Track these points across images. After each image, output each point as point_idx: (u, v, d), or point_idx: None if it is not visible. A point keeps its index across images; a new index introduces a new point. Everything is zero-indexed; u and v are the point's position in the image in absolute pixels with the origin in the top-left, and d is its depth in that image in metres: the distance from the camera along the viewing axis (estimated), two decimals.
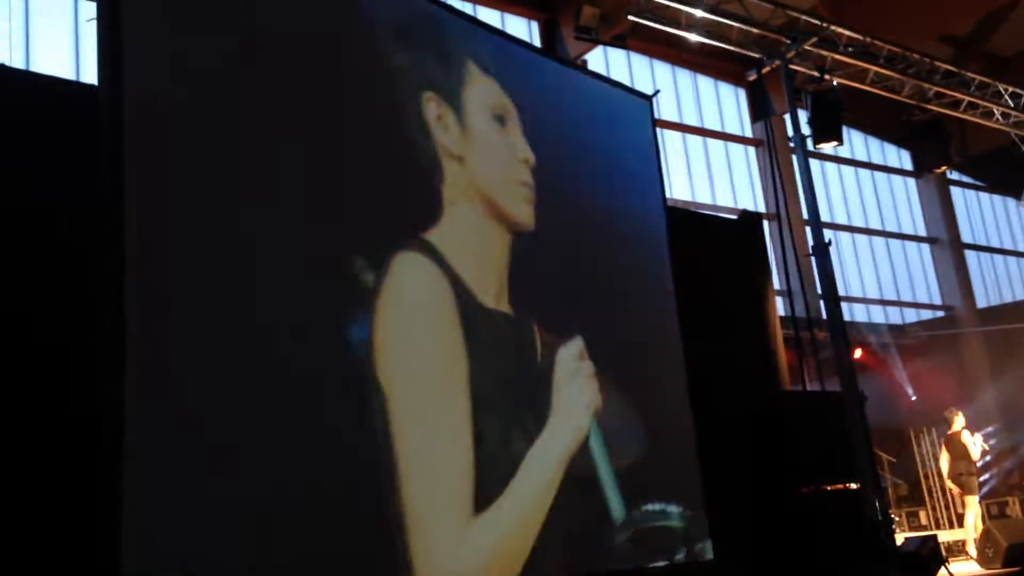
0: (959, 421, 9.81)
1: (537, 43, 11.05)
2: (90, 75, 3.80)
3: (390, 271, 4.19)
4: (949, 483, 9.92)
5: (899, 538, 7.41)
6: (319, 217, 4.05)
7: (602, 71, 11.26)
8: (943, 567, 7.04)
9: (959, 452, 9.64)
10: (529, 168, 5.15)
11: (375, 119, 4.45)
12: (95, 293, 3.37)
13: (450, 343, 4.37)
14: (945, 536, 10.46)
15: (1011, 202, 16.34)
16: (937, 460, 12.22)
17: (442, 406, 4.27)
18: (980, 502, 10.28)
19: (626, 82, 10.01)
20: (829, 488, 6.89)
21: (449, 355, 4.36)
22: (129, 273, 3.34)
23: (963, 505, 9.98)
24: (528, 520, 4.55)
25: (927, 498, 12.10)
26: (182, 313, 3.49)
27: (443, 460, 4.18)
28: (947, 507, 12.07)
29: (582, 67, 9.00)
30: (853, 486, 6.88)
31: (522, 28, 11.23)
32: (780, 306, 8.80)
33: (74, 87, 4.25)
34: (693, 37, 8.38)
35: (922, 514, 11.58)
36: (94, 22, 3.58)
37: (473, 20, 5.64)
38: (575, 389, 5.05)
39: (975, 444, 9.66)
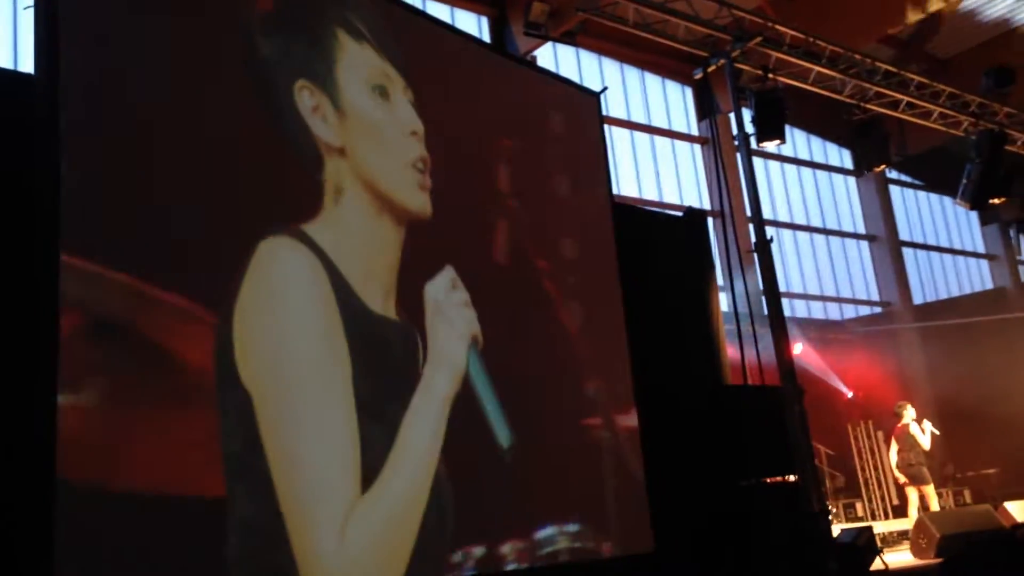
0: (908, 414, 10.22)
1: (487, 39, 11.07)
2: (28, 64, 3.72)
3: (255, 255, 3.89)
4: (898, 474, 10.30)
5: (836, 529, 7.58)
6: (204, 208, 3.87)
7: (551, 68, 11.31)
8: (878, 557, 7.22)
9: (907, 444, 10.08)
10: (419, 140, 4.72)
11: (248, 116, 4.14)
12: (29, 291, 3.32)
13: (324, 332, 4.08)
14: (881, 527, 10.75)
15: (947, 201, 16.77)
16: (874, 453, 12.56)
17: (316, 402, 3.99)
18: (938, 490, 10.69)
19: (575, 79, 10.07)
20: (769, 481, 7.02)
21: (323, 345, 4.07)
22: (64, 272, 3.31)
23: (905, 497, 10.36)
24: (417, 482, 4.33)
25: (863, 490, 12.39)
26: None
27: (321, 454, 3.94)
28: (883, 499, 12.37)
29: (531, 63, 9.03)
30: (792, 479, 7.03)
31: (472, 23, 11.23)
32: (723, 302, 8.94)
33: (10, 75, 4.15)
34: (641, 34, 8.45)
35: (859, 506, 11.86)
36: (31, 10, 3.52)
37: None
38: (446, 324, 4.67)
39: (925, 435, 10.04)
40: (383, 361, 4.38)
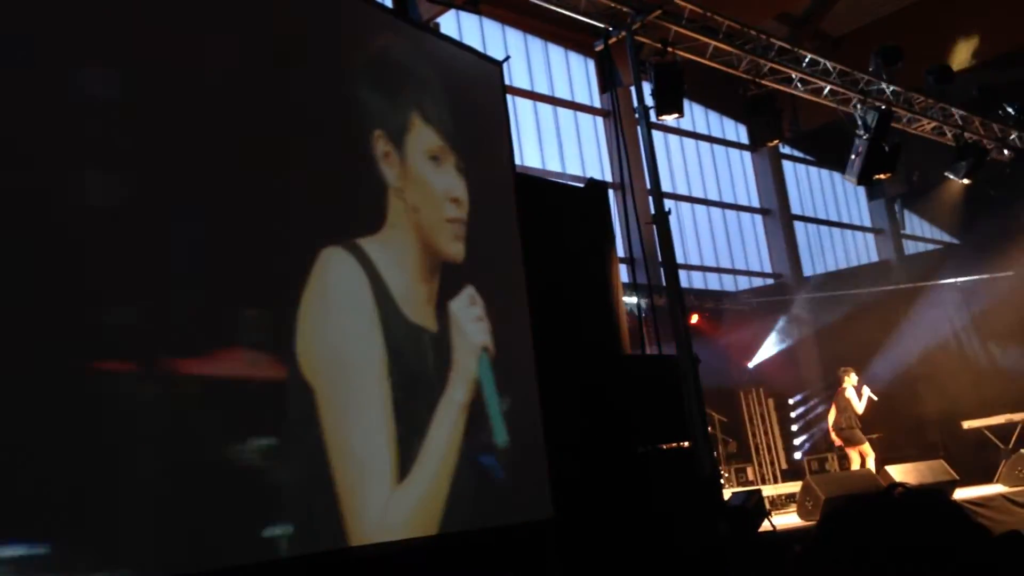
0: (850, 379, 10.79)
1: (389, 4, 10.87)
2: None
3: (316, 262, 4.47)
4: (833, 435, 10.88)
5: (727, 493, 7.83)
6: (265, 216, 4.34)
7: (454, 35, 11.21)
8: (766, 519, 7.50)
9: (842, 407, 10.73)
10: (458, 206, 5.59)
11: (337, 139, 4.88)
12: None
13: (368, 335, 4.69)
14: (769, 491, 11.16)
15: (837, 176, 17.34)
16: (764, 419, 13.02)
17: (364, 399, 4.60)
18: (822, 455, 11.32)
19: (478, 47, 10.00)
20: (664, 447, 7.19)
21: (368, 348, 4.68)
22: None
23: (848, 459, 11.06)
24: (440, 478, 4.99)
25: (754, 455, 12.83)
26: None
27: (367, 444, 4.55)
28: (772, 463, 12.83)
29: (434, 30, 8.92)
30: (686, 445, 7.22)
31: None
32: (623, 273, 9.08)
33: None
34: (543, 4, 8.44)
35: (749, 470, 12.28)
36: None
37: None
38: (461, 337, 5.36)
39: (860, 400, 10.64)
40: (415, 366, 5.01)
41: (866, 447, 10.79)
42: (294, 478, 4.12)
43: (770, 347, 14.72)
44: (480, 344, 5.51)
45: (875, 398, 10.92)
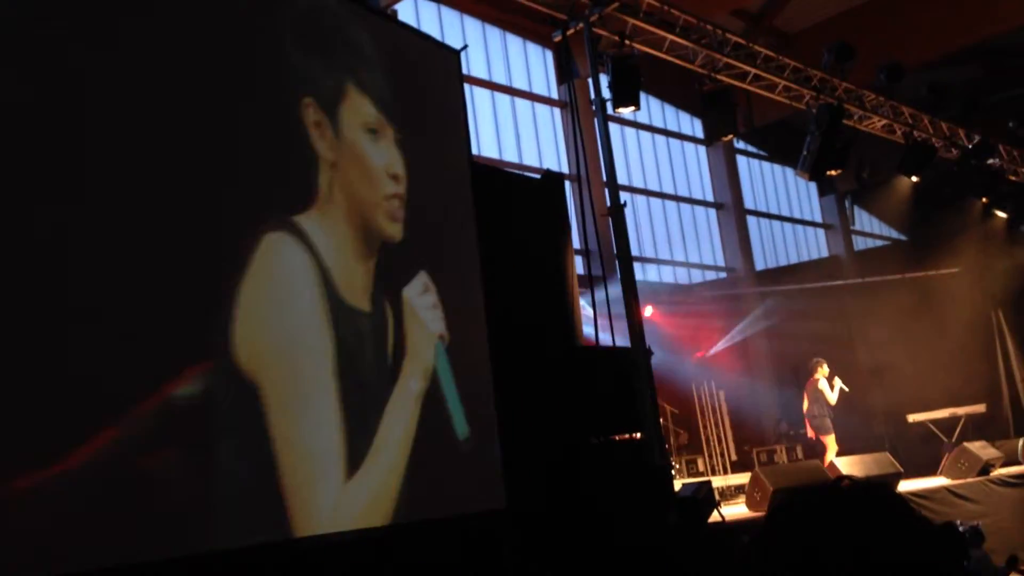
0: (822, 371, 11.10)
1: None
2: None
3: (259, 248, 4.23)
4: (808, 427, 11.34)
5: (678, 484, 7.91)
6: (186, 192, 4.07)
7: (412, 22, 11.13)
8: (716, 510, 7.58)
9: (814, 397, 11.16)
10: (397, 182, 5.33)
11: (267, 107, 4.59)
12: None
13: (317, 325, 4.51)
14: (719, 482, 11.29)
15: (789, 171, 17.55)
16: (715, 411, 13.17)
17: (312, 392, 4.43)
18: (771, 447, 11.64)
19: (436, 35, 9.95)
20: (617, 438, 7.23)
21: (314, 336, 4.48)
22: None
23: (824, 447, 11.34)
24: (394, 470, 4.85)
25: (705, 446, 12.96)
26: None
27: (315, 437, 4.39)
28: (723, 455, 12.98)
29: (391, 16, 8.85)
30: (638, 436, 7.27)
31: None
32: (579, 264, 9.10)
33: None
34: None
35: (700, 461, 12.40)
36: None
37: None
38: (418, 325, 5.21)
39: (832, 391, 11.04)
40: (362, 354, 4.81)
41: (830, 439, 11.07)
42: (237, 472, 3.95)
43: (722, 340, 14.88)
44: (436, 333, 5.38)
45: (847, 389, 11.27)
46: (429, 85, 6.30)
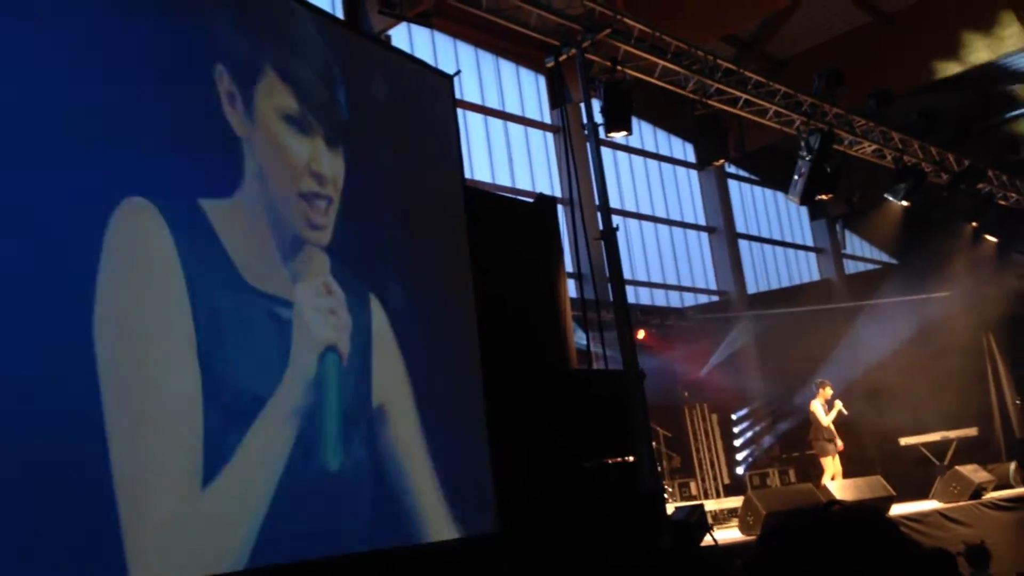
0: (822, 392, 11.31)
1: (340, 16, 10.85)
2: None
3: (112, 218, 3.80)
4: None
5: (670, 507, 7.89)
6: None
7: (406, 48, 11.21)
8: (708, 534, 7.57)
9: (813, 420, 11.30)
10: (321, 183, 4.95)
11: (188, 76, 4.37)
12: None
13: (172, 304, 3.96)
14: (712, 505, 11.27)
15: (781, 196, 17.63)
16: (708, 434, 13.18)
17: (163, 373, 3.88)
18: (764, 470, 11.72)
19: (429, 61, 10.02)
20: (609, 461, 7.23)
21: (173, 320, 3.95)
22: None
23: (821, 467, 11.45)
24: (256, 486, 4.20)
25: (697, 470, 12.94)
26: None
27: (162, 431, 3.83)
28: (715, 478, 12.97)
29: (385, 42, 8.92)
30: (631, 459, 7.27)
31: (325, 0, 10.97)
32: (571, 288, 9.13)
33: None
34: (494, 19, 8.49)
35: (693, 485, 12.38)
36: None
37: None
38: (302, 331, 4.60)
39: (827, 414, 11.19)
40: (244, 336, 4.25)
41: (827, 461, 11.09)
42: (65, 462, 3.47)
43: (714, 363, 14.90)
44: (323, 340, 4.69)
45: (846, 412, 11.28)
46: (422, 109, 6.35)
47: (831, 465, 11.17)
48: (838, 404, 11.30)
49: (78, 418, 3.55)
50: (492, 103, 13.49)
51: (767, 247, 18.05)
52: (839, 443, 11.32)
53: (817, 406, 11.29)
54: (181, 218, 4.06)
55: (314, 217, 4.87)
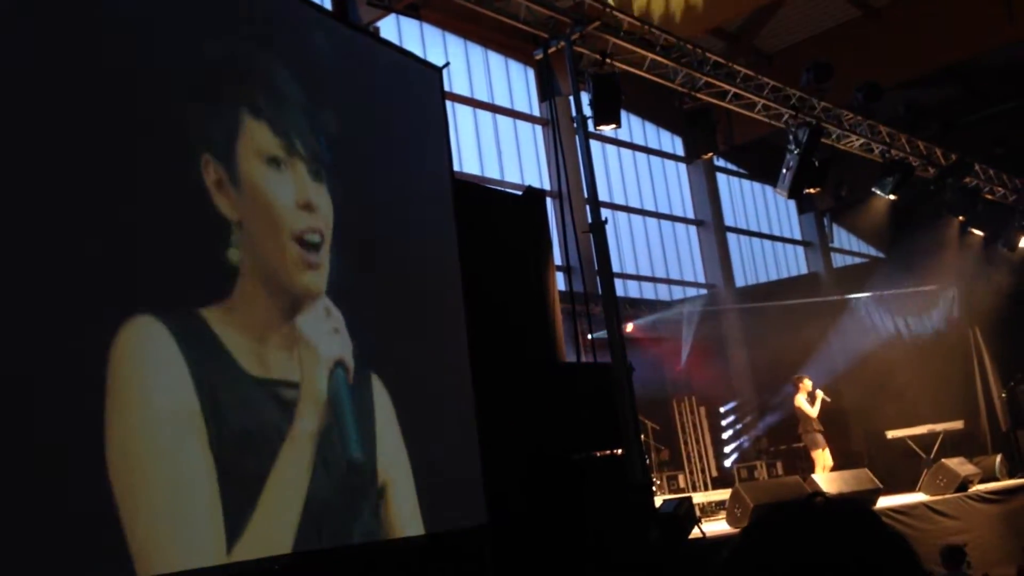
0: (802, 386, 11.32)
1: (328, 7, 10.80)
2: None
3: (117, 337, 3.84)
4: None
5: (659, 500, 7.91)
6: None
7: (394, 40, 11.18)
8: (696, 526, 7.59)
9: (800, 415, 11.34)
10: (312, 214, 4.90)
11: (167, 176, 4.27)
12: None
13: (181, 407, 4.07)
14: (700, 498, 11.31)
15: (769, 189, 17.69)
16: (696, 427, 13.22)
17: (173, 478, 3.98)
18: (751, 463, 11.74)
19: (418, 53, 9.99)
20: (598, 454, 7.24)
21: (181, 419, 4.06)
22: None
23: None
24: (285, 517, 4.44)
25: (686, 463, 12.99)
26: None
27: (182, 530, 3.97)
28: (703, 471, 13.01)
29: (373, 34, 8.89)
30: (619, 452, 7.28)
31: None
32: (560, 280, 9.13)
33: None
34: (483, 11, 8.47)
35: (681, 478, 12.42)
36: None
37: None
38: (309, 354, 4.72)
39: (812, 406, 11.26)
40: (252, 421, 4.37)
41: (818, 453, 11.15)
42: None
43: (703, 356, 14.93)
44: (332, 358, 4.84)
45: (828, 400, 11.36)
46: (407, 102, 6.33)
47: (822, 457, 11.20)
48: (819, 394, 11.37)
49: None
50: (481, 95, 13.47)
51: (755, 240, 18.10)
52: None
53: (802, 400, 11.33)
54: (183, 328, 4.14)
55: (310, 256, 4.87)
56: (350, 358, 4.96)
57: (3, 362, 3.44)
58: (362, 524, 4.94)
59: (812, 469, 11.36)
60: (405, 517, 5.26)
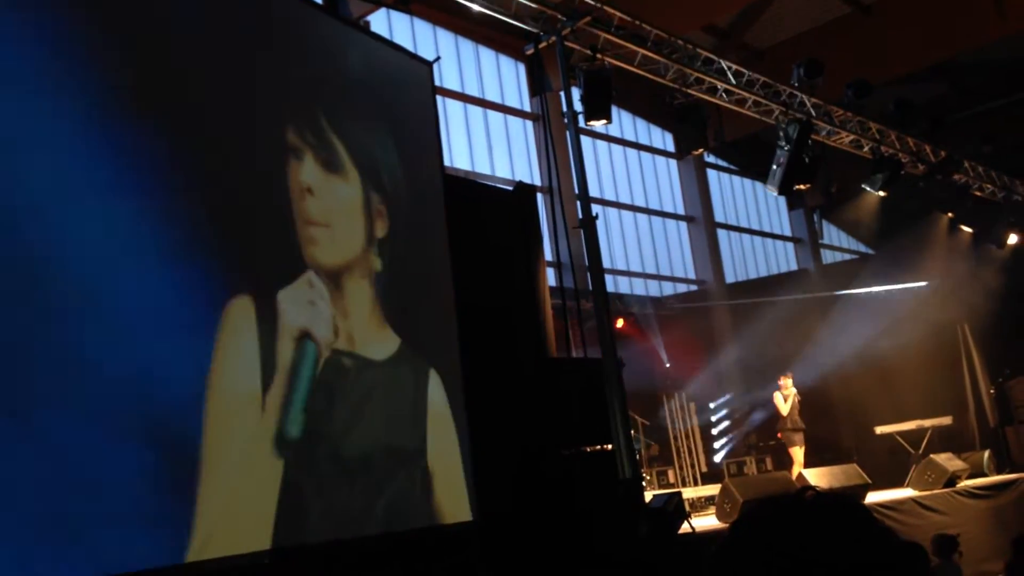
0: (782, 383, 11.64)
1: (319, 1, 10.74)
2: None
3: (224, 318, 4.44)
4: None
5: (648, 495, 7.93)
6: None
7: (385, 34, 11.14)
8: (686, 521, 7.61)
9: (778, 412, 11.64)
10: (313, 196, 5.17)
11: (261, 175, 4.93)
12: None
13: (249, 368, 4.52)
14: (689, 493, 11.34)
15: (759, 185, 17.71)
16: (685, 422, 13.25)
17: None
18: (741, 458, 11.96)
19: (409, 47, 9.96)
20: (588, 449, 7.25)
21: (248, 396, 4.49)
22: None
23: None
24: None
25: (675, 458, 13.01)
26: None
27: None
28: (692, 466, 13.04)
29: (364, 28, 8.85)
30: (609, 447, 7.29)
31: None
32: (551, 276, 9.12)
33: None
34: (474, 7, 8.45)
35: (671, 473, 12.44)
36: None
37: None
38: (284, 324, 4.81)
39: (785, 403, 11.51)
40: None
41: (794, 451, 11.30)
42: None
43: (693, 350, 14.96)
44: (299, 327, 4.87)
45: (799, 396, 11.58)
46: (399, 96, 6.31)
47: (796, 455, 11.40)
48: (792, 393, 11.68)
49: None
50: (472, 90, 13.45)
51: (745, 236, 18.13)
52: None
53: (778, 397, 11.60)
54: (264, 309, 4.68)
55: (315, 236, 5.15)
56: (318, 331, 5.01)
57: (159, 322, 4.12)
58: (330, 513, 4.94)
59: (791, 466, 11.45)
60: (395, 510, 5.25)
